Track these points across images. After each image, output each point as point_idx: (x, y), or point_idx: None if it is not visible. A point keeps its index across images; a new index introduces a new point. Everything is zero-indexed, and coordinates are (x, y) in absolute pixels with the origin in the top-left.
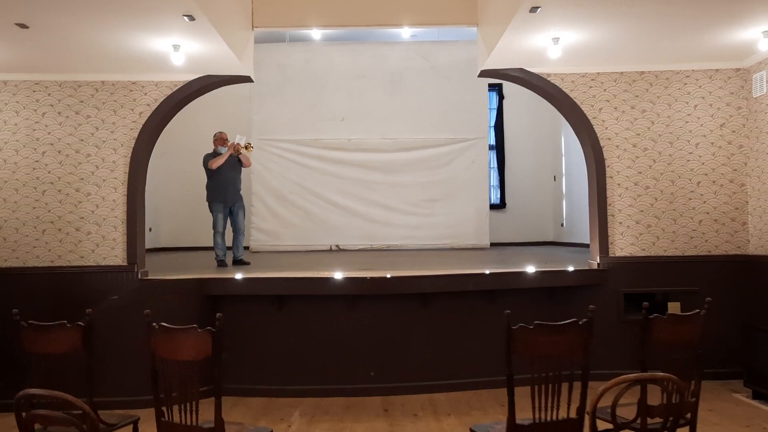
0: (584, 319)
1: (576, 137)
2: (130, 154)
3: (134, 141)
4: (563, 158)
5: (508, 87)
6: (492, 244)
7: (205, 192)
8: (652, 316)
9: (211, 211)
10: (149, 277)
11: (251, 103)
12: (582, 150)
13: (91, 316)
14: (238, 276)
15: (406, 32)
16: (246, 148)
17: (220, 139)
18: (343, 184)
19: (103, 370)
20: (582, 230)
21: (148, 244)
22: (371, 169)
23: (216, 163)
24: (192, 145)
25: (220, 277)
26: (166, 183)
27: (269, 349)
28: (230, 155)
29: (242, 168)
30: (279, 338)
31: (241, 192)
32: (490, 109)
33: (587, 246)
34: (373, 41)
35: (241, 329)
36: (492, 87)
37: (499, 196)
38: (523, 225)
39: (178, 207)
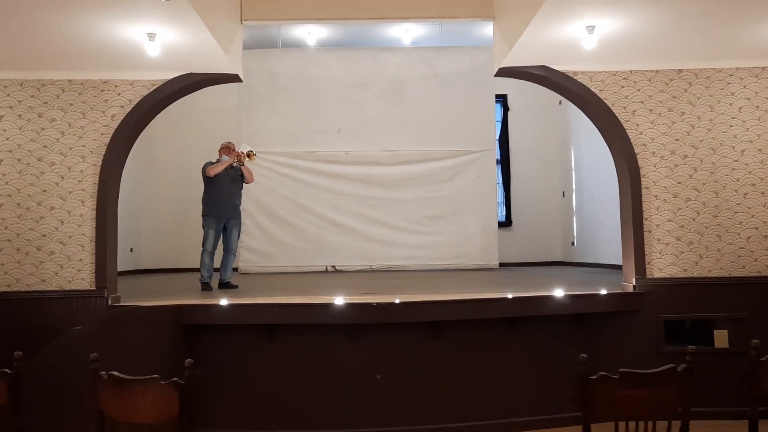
0: (683, 365)
1: (587, 150)
2: (100, 163)
3: (105, 148)
4: (573, 173)
5: (514, 98)
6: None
7: (192, 209)
8: (763, 359)
9: (202, 226)
10: (121, 304)
11: (240, 113)
12: (612, 159)
13: (21, 362)
14: (223, 302)
15: (407, 38)
16: (248, 155)
17: (225, 148)
18: (340, 200)
19: (64, 415)
20: (594, 249)
21: (128, 266)
22: (370, 184)
23: (214, 170)
24: (178, 161)
25: (201, 303)
26: (150, 201)
27: (257, 387)
28: (232, 167)
29: (244, 184)
30: (269, 374)
31: (241, 208)
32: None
33: (601, 266)
34: (372, 47)
35: (225, 364)
36: (496, 98)
37: (504, 213)
38: (530, 244)
39: (162, 226)
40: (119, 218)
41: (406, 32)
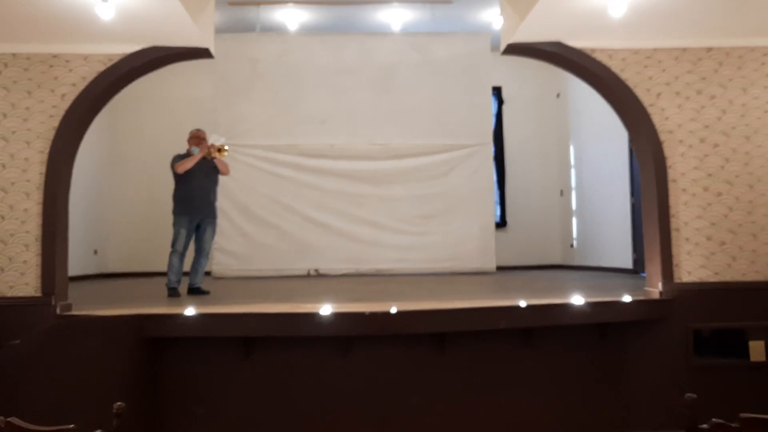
0: None
1: (588, 146)
2: (48, 149)
3: (54, 132)
4: (572, 170)
5: (509, 90)
6: None
7: (164, 208)
8: None
9: (173, 225)
10: (71, 313)
11: (216, 102)
12: (634, 148)
13: None
14: (191, 311)
15: (396, 22)
16: (219, 150)
17: (195, 138)
18: (324, 198)
19: None
20: (597, 251)
21: (92, 269)
22: (357, 180)
23: (183, 167)
24: (149, 155)
25: (165, 312)
26: (118, 199)
27: (231, 411)
28: (204, 159)
29: (219, 177)
30: (245, 396)
31: (217, 205)
32: None
33: (604, 269)
34: (359, 32)
35: (194, 384)
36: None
37: (499, 213)
38: (526, 246)
39: (131, 226)
40: (82, 217)
41: (396, 16)
